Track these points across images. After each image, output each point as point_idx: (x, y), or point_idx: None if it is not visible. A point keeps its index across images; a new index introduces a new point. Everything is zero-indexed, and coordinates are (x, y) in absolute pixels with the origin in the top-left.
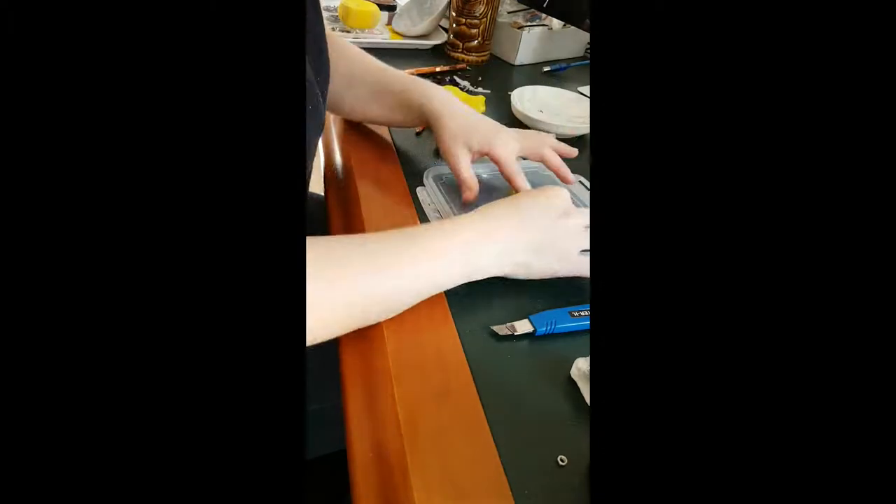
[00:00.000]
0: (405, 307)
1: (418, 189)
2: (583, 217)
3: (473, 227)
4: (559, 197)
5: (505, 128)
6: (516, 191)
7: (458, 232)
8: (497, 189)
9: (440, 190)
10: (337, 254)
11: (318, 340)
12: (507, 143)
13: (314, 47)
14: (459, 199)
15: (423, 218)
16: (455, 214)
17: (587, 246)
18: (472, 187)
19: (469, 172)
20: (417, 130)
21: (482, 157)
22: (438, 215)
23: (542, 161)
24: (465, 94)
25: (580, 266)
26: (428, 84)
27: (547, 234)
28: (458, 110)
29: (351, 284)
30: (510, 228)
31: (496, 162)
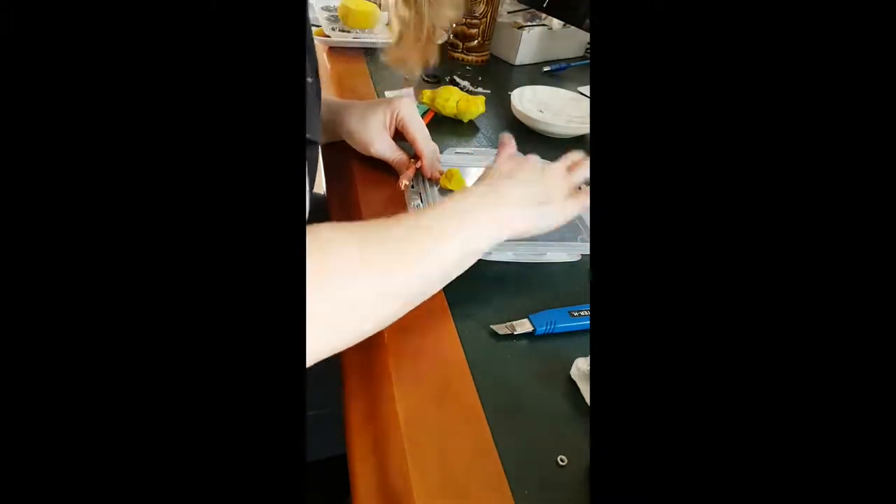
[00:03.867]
0: (437, 289)
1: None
2: (561, 164)
3: (476, 199)
4: (529, 159)
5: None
6: (414, 146)
7: (466, 205)
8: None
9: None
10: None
11: (364, 337)
12: (409, 103)
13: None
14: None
15: None
16: (439, 199)
17: (576, 182)
18: (408, 163)
19: (398, 153)
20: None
21: (396, 124)
22: (419, 199)
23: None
24: (464, 93)
25: (580, 204)
26: (331, 98)
27: (540, 183)
28: (353, 104)
29: (383, 280)
30: (506, 188)
31: (403, 122)
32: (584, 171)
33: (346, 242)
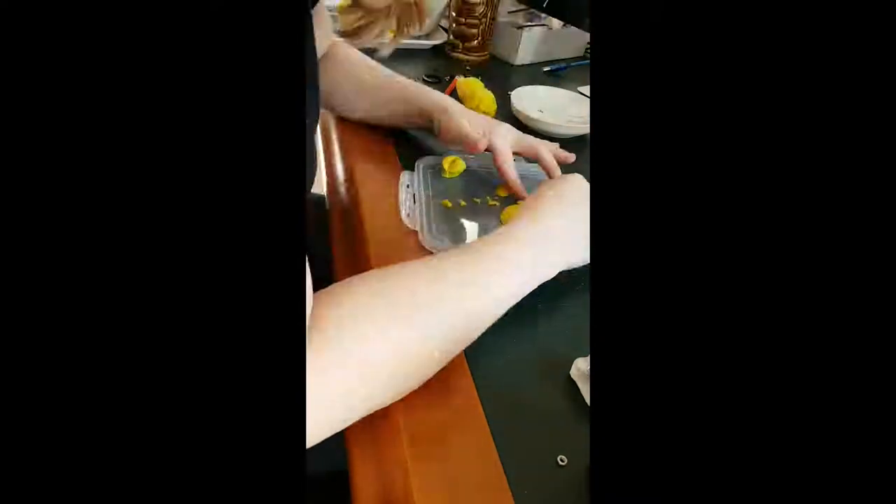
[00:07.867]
0: (485, 328)
1: (403, 172)
2: None
3: (530, 233)
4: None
5: (504, 123)
6: (506, 182)
7: (520, 242)
8: (486, 182)
9: (426, 176)
10: (415, 290)
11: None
12: (505, 135)
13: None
14: (441, 187)
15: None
16: (432, 202)
17: None
18: (507, 158)
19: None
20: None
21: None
22: (412, 200)
23: (537, 157)
24: (481, 83)
25: None
26: (423, 86)
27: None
28: (460, 105)
29: (434, 318)
30: (564, 226)
31: (493, 150)
32: None
33: (368, 319)
